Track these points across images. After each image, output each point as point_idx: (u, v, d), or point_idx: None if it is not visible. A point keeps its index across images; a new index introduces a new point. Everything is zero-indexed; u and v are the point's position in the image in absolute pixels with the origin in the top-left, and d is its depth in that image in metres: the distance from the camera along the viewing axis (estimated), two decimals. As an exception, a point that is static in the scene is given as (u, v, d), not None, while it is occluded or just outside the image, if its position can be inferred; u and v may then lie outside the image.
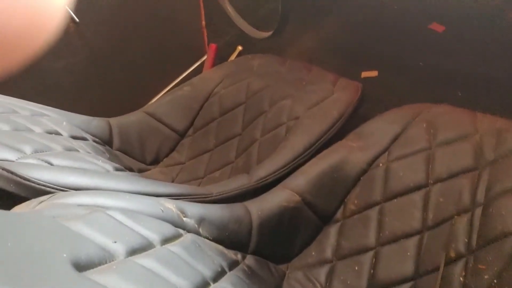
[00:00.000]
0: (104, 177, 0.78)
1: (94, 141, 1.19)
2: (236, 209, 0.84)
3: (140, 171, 1.37)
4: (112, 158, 1.17)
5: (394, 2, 2.11)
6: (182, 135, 1.49)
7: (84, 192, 0.62)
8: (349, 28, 2.04)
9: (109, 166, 0.91)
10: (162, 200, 0.72)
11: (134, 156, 1.39)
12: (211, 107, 1.49)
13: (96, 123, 1.28)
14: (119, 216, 0.58)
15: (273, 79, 1.46)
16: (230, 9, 1.40)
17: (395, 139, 1.06)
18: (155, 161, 1.45)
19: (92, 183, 0.73)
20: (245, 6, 1.70)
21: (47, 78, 1.40)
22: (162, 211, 0.68)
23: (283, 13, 1.13)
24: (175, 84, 1.76)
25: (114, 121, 1.37)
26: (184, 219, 0.71)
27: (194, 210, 0.76)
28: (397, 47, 1.87)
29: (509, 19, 1.79)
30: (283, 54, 1.96)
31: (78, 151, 0.93)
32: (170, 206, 0.71)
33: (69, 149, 0.91)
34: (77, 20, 1.35)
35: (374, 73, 1.74)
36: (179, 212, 0.71)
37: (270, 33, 1.25)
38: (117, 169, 0.95)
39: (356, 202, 0.99)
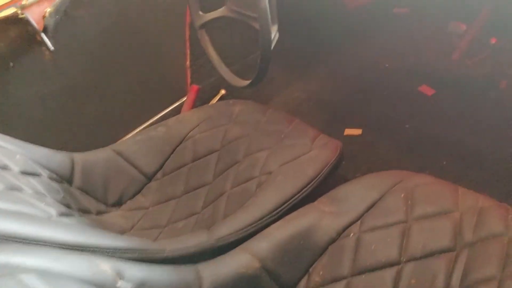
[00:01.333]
0: (40, 225, 0.70)
1: (51, 177, 1.11)
2: (186, 273, 0.77)
3: (99, 213, 1.29)
4: (67, 198, 1.09)
5: (386, 61, 2.11)
6: (150, 177, 1.41)
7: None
8: (337, 82, 2.02)
9: (53, 210, 0.84)
10: (98, 258, 0.64)
11: (96, 196, 1.31)
12: (183, 152, 1.42)
13: (59, 157, 1.20)
14: (34, 282, 0.50)
15: (252, 128, 1.40)
16: (212, 53, 1.36)
17: (370, 207, 0.99)
18: (118, 203, 1.37)
19: (23, 232, 0.65)
20: (231, 51, 1.68)
21: (14, 105, 1.34)
22: (94, 273, 0.60)
23: (264, 63, 1.08)
24: (151, 123, 1.70)
25: (79, 156, 1.29)
26: (119, 282, 0.63)
27: (136, 272, 0.68)
28: (384, 106, 1.85)
29: (500, 88, 1.78)
30: (268, 101, 1.94)
31: (22, 190, 0.85)
32: (106, 267, 0.63)
33: (12, 188, 0.84)
34: (51, 47, 1.30)
35: (357, 131, 1.70)
36: (115, 275, 0.64)
37: (248, 82, 1.20)
38: (63, 214, 0.87)
39: (321, 273, 0.91)
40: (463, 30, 1.67)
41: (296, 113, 1.84)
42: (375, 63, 2.08)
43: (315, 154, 1.24)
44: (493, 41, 1.64)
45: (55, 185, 1.09)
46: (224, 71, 1.31)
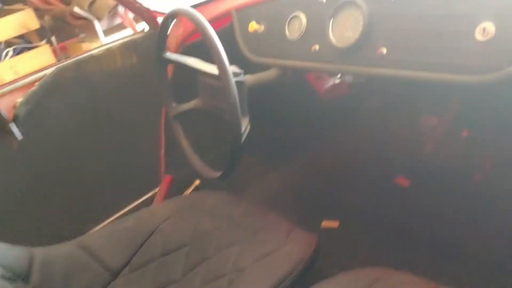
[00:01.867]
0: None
1: (3, 276, 1.03)
2: None
3: (57, 314, 1.19)
4: (20, 299, 1.01)
5: (362, 151, 2.13)
6: (115, 274, 1.33)
7: None
8: (313, 172, 2.02)
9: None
10: None
11: (55, 295, 1.22)
12: (153, 245, 1.36)
13: (15, 253, 1.13)
14: None
15: (225, 221, 1.36)
16: (184, 143, 1.34)
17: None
18: (79, 303, 1.27)
19: None
20: (207, 141, 1.67)
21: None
22: None
23: (234, 156, 1.06)
24: (121, 214, 1.65)
25: (40, 251, 1.22)
26: None
27: None
28: (362, 198, 1.83)
29: (475, 182, 1.79)
30: (244, 191, 1.90)
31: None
32: None
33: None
34: (19, 137, 1.27)
35: (334, 224, 1.66)
36: None
37: (219, 173, 1.18)
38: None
39: None
40: (435, 123, 1.71)
41: (271, 204, 1.80)
42: (352, 154, 2.09)
43: (289, 250, 1.20)
44: (464, 133, 1.67)
45: (8, 284, 1.01)
46: (196, 162, 1.29)
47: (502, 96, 1.43)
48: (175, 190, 1.75)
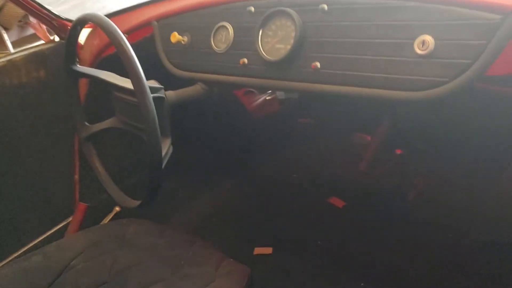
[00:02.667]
0: None
1: None
2: None
3: None
4: None
5: (294, 171, 2.07)
6: (17, 322, 1.15)
7: None
8: (244, 195, 1.93)
9: None
10: None
11: None
12: (63, 286, 1.19)
13: None
14: None
15: (147, 254, 1.22)
16: (99, 168, 1.19)
17: None
18: None
19: None
20: (126, 164, 1.53)
21: None
22: None
23: (154, 182, 0.94)
24: (27, 249, 1.45)
25: None
26: None
27: None
28: (295, 221, 1.76)
29: (408, 200, 1.78)
30: (170, 217, 1.77)
31: None
32: None
33: None
34: None
35: (268, 250, 1.58)
36: None
37: (138, 202, 1.05)
38: None
39: None
40: (368, 141, 1.68)
41: (201, 230, 1.69)
42: (283, 174, 2.03)
43: (218, 285, 1.08)
44: (398, 152, 1.66)
45: None
46: (111, 189, 1.15)
47: (434, 113, 1.42)
48: (91, 219, 1.58)
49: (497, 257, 1.45)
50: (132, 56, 0.84)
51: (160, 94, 0.99)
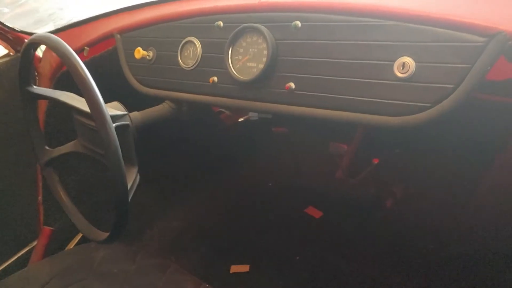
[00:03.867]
0: None
1: None
2: None
3: None
4: None
5: (269, 181, 2.02)
6: None
7: None
8: (218, 208, 1.87)
9: None
10: None
11: None
12: (26, 323, 1.12)
13: None
14: None
15: (117, 283, 1.17)
16: (62, 196, 1.12)
17: None
18: None
19: None
20: (93, 189, 1.45)
21: None
22: None
23: (121, 215, 0.87)
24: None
25: None
26: None
27: None
28: (272, 234, 1.72)
29: (386, 208, 1.75)
30: (141, 234, 1.70)
31: None
32: None
33: None
34: None
35: (245, 268, 1.53)
36: None
37: (105, 235, 0.98)
38: None
39: None
40: (344, 150, 1.65)
41: (174, 247, 1.63)
42: (258, 184, 1.98)
43: (194, 317, 1.03)
44: (375, 161, 1.63)
45: None
46: (77, 219, 1.07)
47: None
48: (57, 243, 1.50)
49: (479, 268, 1.44)
50: (89, 83, 0.76)
51: (124, 121, 0.93)
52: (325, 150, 1.70)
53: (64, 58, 0.80)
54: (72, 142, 1.09)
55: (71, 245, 1.51)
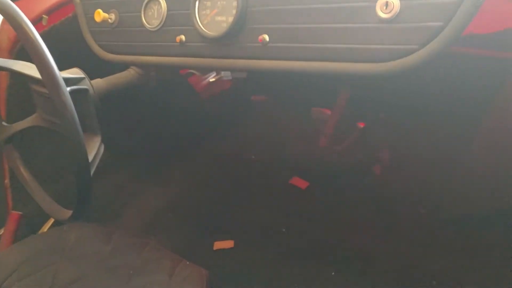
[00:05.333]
0: None
1: None
2: None
3: None
4: None
5: (251, 153, 1.96)
6: None
7: None
8: (199, 183, 1.80)
9: None
10: None
11: None
12: (-6, 313, 1.05)
13: None
14: None
15: (91, 265, 1.10)
16: (23, 173, 1.04)
17: None
18: None
19: None
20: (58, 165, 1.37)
21: None
22: None
23: (83, 189, 0.80)
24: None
25: None
26: None
27: None
28: (256, 208, 1.66)
29: (374, 174, 1.71)
30: (119, 215, 1.63)
31: None
32: None
33: None
34: None
35: (229, 244, 1.47)
36: None
37: (70, 213, 0.92)
38: None
39: None
40: (328, 115, 1.58)
41: (154, 227, 1.56)
42: (240, 157, 1.91)
43: (174, 295, 0.97)
44: (360, 125, 1.57)
45: None
46: (41, 198, 1.00)
47: (397, 83, 1.34)
48: (28, 228, 1.43)
49: (471, 231, 1.41)
50: (35, 41, 0.69)
51: (82, 85, 0.85)
52: (308, 117, 1.64)
53: (6, 16, 0.72)
54: (31, 116, 1.02)
55: (43, 230, 1.44)
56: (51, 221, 1.45)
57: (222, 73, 1.04)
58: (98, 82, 0.98)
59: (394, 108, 1.58)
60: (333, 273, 1.31)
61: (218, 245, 1.47)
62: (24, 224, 1.42)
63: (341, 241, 1.43)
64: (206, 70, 1.14)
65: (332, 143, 1.68)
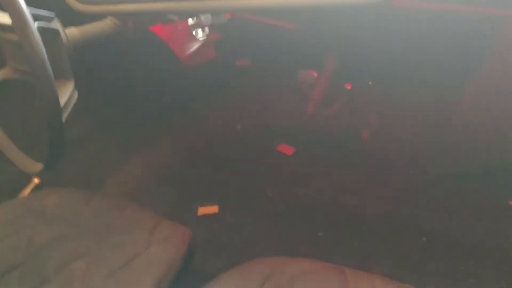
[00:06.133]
0: None
1: None
2: None
3: None
4: None
5: (237, 121, 1.92)
6: None
7: None
8: (183, 152, 1.76)
9: None
10: None
11: None
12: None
13: None
14: None
15: (70, 226, 1.07)
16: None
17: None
18: None
19: None
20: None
21: None
22: None
23: (54, 136, 0.77)
24: None
25: None
26: None
27: None
28: (242, 175, 1.63)
29: (362, 139, 1.68)
30: (101, 184, 1.59)
31: None
32: None
33: None
34: None
35: (214, 209, 1.45)
36: None
37: (41, 165, 0.88)
38: None
39: None
40: (315, 78, 1.55)
41: (137, 195, 1.53)
42: (225, 125, 1.88)
43: (155, 252, 0.95)
44: (348, 86, 1.54)
45: None
46: (10, 151, 0.96)
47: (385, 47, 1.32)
48: (6, 194, 1.38)
49: (460, 189, 1.39)
50: None
51: (51, 25, 0.81)
52: (294, 81, 1.60)
53: None
54: (2, 70, 0.97)
55: (23, 194, 1.40)
56: (30, 187, 1.41)
57: (202, 18, 1.00)
58: (72, 30, 0.93)
59: (381, 75, 1.56)
60: (320, 234, 1.29)
61: (203, 210, 1.44)
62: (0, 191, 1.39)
63: (329, 204, 1.41)
64: (185, 14, 1.09)
65: (320, 108, 1.66)
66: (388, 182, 1.47)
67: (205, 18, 1.01)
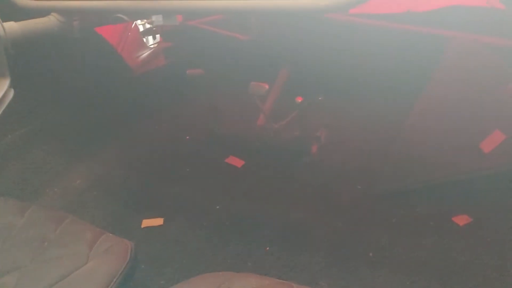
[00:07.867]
0: None
1: None
2: None
3: None
4: None
5: (185, 133, 1.88)
6: None
7: None
8: (128, 164, 1.70)
9: None
10: None
11: None
12: None
13: None
14: None
15: (2, 238, 0.99)
16: None
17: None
18: None
19: None
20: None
21: None
22: None
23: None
24: None
25: None
26: None
27: None
28: (189, 187, 1.59)
29: (311, 153, 1.68)
30: (40, 195, 1.51)
31: None
32: None
33: None
34: None
35: (158, 221, 1.40)
36: None
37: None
38: None
39: None
40: (266, 90, 1.54)
41: (78, 207, 1.46)
42: (174, 136, 1.83)
43: (93, 266, 0.91)
44: (299, 99, 1.53)
45: None
46: None
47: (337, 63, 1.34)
48: None
49: (405, 205, 1.42)
50: None
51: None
52: (246, 92, 1.59)
53: None
54: None
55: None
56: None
57: (154, 19, 0.96)
58: (11, 24, 0.88)
59: (332, 91, 1.58)
60: (267, 248, 1.27)
61: (147, 222, 1.39)
62: None
63: (277, 218, 1.39)
64: (135, 14, 1.05)
65: (270, 121, 1.65)
66: (336, 197, 1.47)
67: (157, 19, 0.98)
